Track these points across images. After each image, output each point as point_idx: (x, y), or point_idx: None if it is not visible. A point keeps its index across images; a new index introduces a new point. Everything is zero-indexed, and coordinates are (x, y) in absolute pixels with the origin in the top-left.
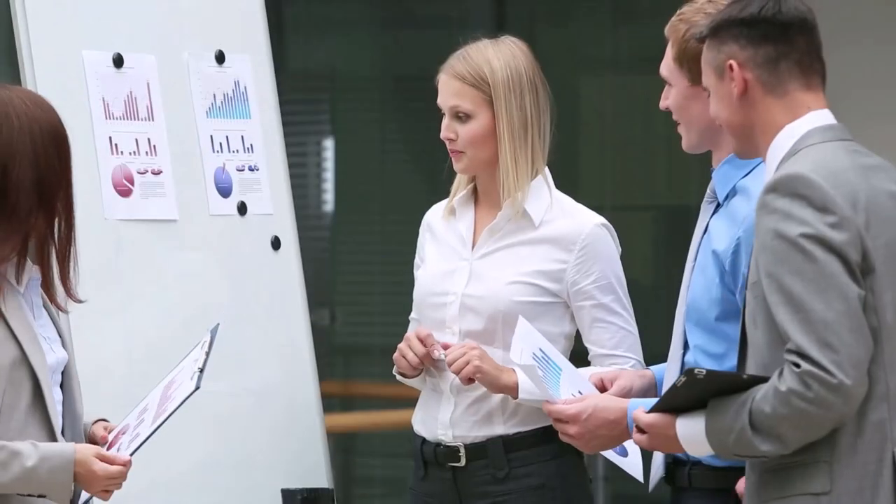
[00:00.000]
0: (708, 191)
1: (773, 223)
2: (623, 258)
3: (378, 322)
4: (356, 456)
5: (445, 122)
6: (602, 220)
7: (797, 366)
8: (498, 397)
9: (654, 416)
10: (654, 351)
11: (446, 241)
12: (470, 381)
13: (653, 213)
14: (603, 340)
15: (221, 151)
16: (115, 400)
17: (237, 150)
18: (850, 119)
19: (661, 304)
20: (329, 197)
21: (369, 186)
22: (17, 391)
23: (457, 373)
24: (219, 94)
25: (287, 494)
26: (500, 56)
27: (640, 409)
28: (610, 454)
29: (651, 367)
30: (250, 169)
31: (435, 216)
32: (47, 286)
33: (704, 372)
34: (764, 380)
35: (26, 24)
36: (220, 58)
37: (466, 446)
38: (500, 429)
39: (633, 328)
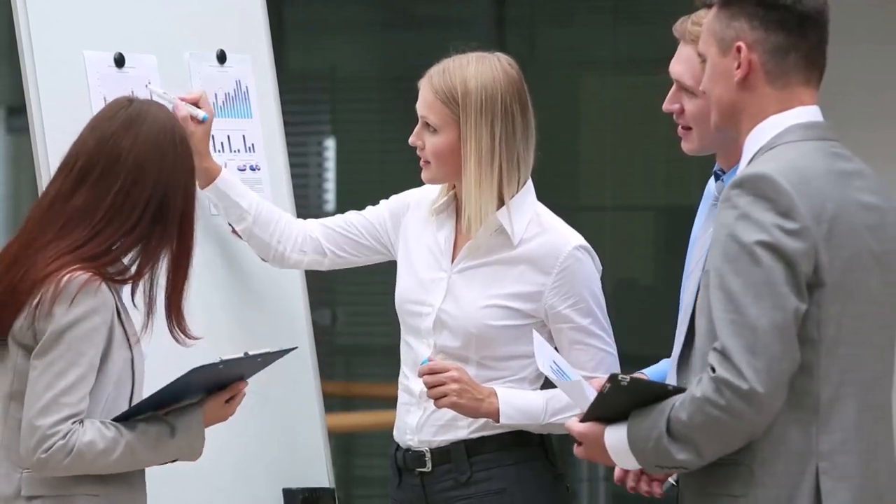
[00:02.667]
0: (715, 193)
1: (730, 220)
2: (623, 258)
3: (379, 322)
4: (357, 456)
5: (417, 128)
6: (581, 241)
7: (713, 370)
8: None
9: (586, 426)
10: (654, 351)
11: (427, 244)
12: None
13: (653, 213)
14: (583, 362)
15: (223, 151)
16: None
17: (238, 150)
18: (843, 122)
19: (661, 304)
20: (330, 197)
21: (370, 186)
22: (119, 390)
23: (433, 398)
24: (220, 93)
25: (288, 494)
26: (478, 77)
27: (574, 418)
28: None
29: (644, 371)
30: (252, 168)
31: (420, 204)
32: (172, 314)
33: (628, 379)
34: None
35: (27, 23)
36: (222, 58)
37: (432, 451)
38: (463, 433)
39: (612, 348)
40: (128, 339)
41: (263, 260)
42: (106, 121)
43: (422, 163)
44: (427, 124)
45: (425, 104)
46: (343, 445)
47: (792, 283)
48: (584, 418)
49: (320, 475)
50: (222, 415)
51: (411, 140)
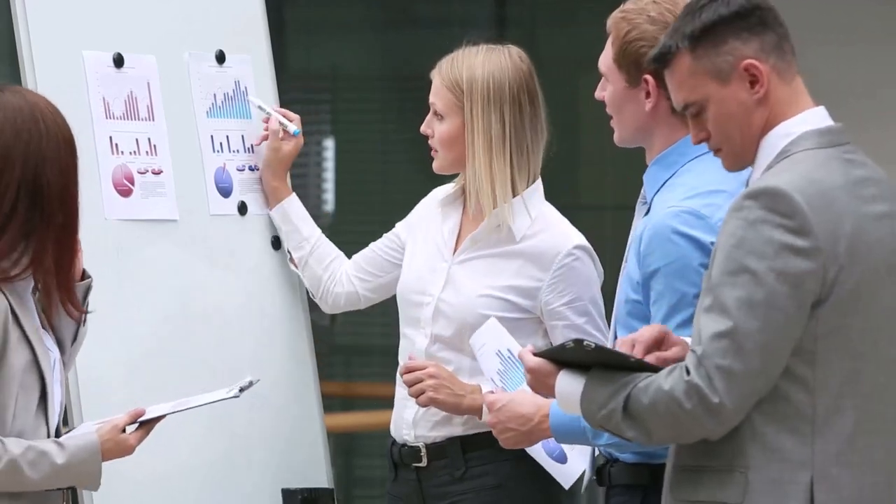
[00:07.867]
0: (641, 192)
1: (739, 231)
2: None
3: (378, 322)
4: (356, 456)
5: (428, 116)
6: (583, 241)
7: (688, 372)
8: None
9: (538, 361)
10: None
11: (432, 237)
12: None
13: None
14: None
15: (222, 151)
16: (115, 399)
17: (237, 150)
18: (842, 122)
19: None
20: (329, 197)
21: (370, 186)
22: (28, 394)
23: (413, 396)
24: (219, 94)
25: (287, 494)
26: (486, 65)
27: (529, 348)
28: (540, 454)
29: None
30: (250, 169)
31: (428, 204)
32: (59, 294)
33: (593, 346)
34: (651, 368)
35: (27, 23)
36: (221, 58)
37: (427, 446)
38: (458, 429)
39: None
40: (28, 340)
41: (312, 297)
42: None
43: (432, 152)
44: (435, 112)
45: (434, 91)
46: (342, 446)
47: (793, 305)
48: (541, 354)
49: (319, 475)
50: (122, 443)
51: (422, 129)
